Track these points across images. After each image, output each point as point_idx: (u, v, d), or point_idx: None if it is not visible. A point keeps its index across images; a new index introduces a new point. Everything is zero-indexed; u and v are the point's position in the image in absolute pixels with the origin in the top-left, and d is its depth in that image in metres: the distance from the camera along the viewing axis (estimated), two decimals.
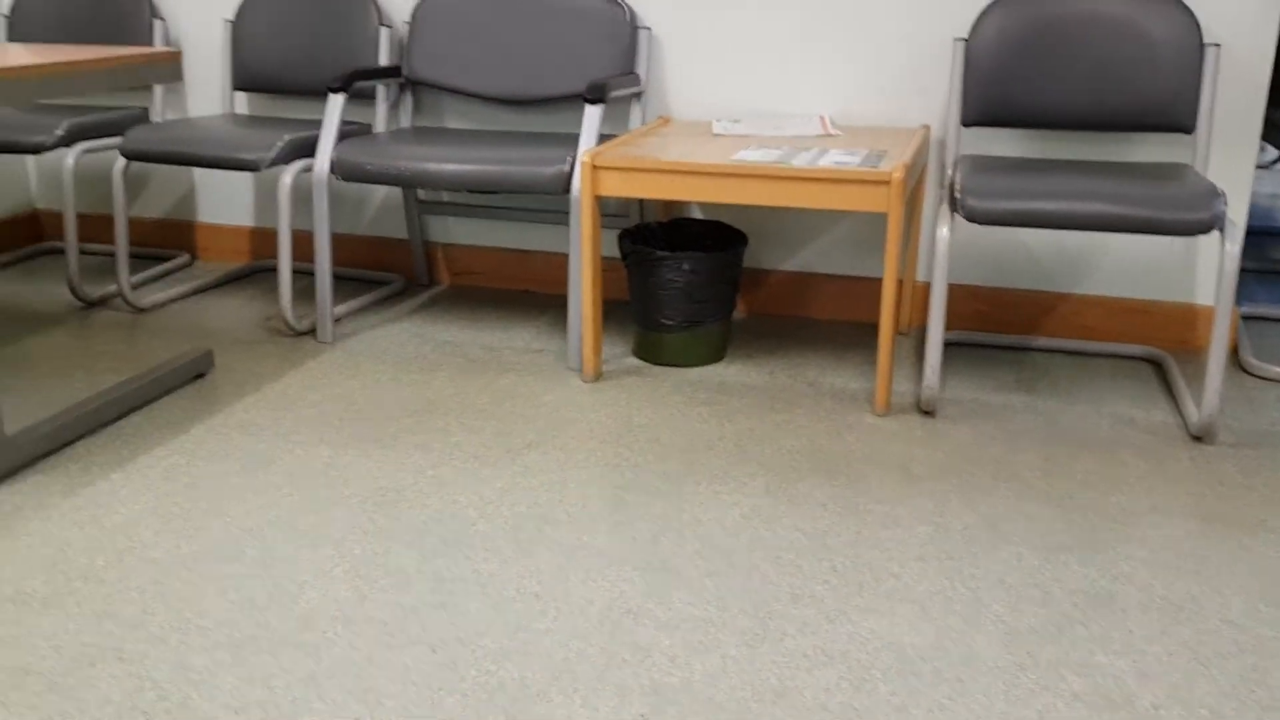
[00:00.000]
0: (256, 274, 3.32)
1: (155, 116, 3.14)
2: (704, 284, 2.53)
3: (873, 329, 2.86)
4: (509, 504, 1.92)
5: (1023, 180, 2.23)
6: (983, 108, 2.58)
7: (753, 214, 2.94)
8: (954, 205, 2.25)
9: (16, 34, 3.26)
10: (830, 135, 2.59)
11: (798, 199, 2.24)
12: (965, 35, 2.63)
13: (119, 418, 2.27)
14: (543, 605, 1.61)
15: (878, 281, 2.89)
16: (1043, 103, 2.54)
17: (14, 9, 3.25)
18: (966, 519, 1.87)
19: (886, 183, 2.18)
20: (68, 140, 2.84)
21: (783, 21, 2.76)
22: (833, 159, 2.30)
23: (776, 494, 1.96)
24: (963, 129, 2.70)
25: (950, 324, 2.86)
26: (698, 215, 2.97)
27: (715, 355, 2.63)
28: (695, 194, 2.30)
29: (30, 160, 3.57)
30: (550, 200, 3.08)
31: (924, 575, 1.69)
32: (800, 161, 2.27)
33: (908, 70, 2.71)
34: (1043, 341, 2.75)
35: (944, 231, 2.23)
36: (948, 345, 2.76)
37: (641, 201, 2.93)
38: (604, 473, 2.04)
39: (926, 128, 2.67)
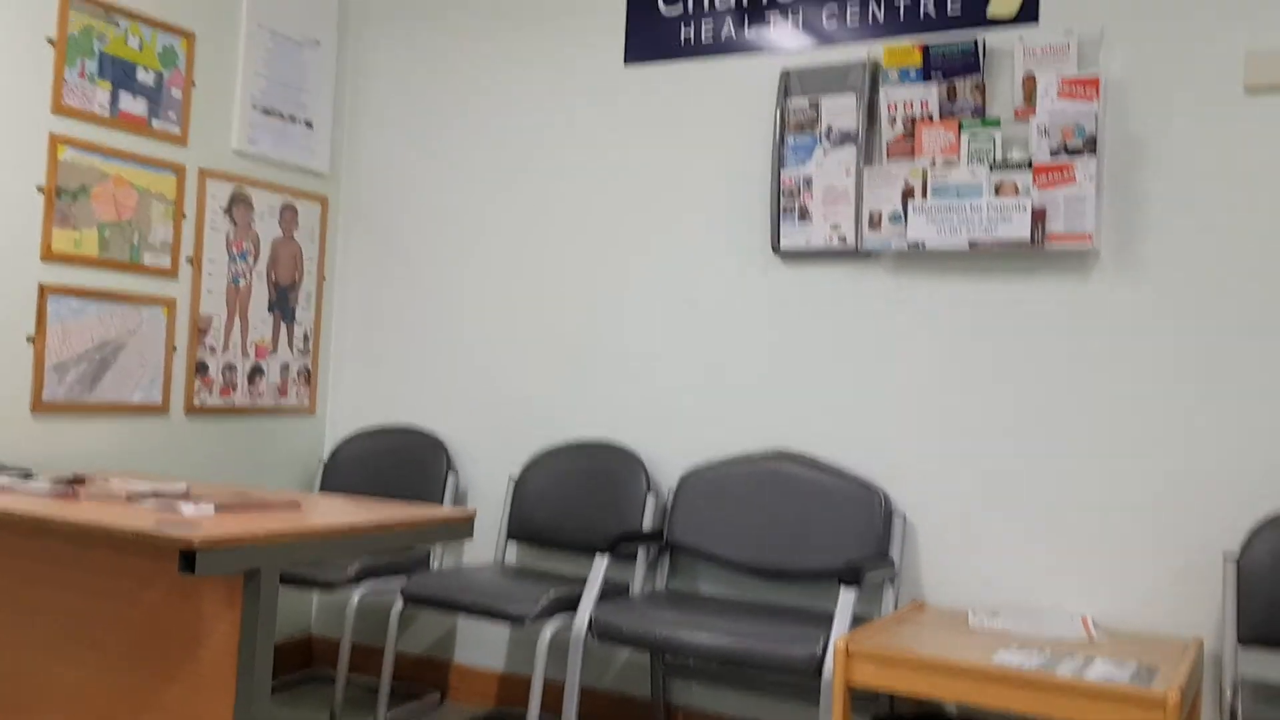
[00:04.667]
0: None
1: (435, 561, 3.42)
2: None
3: None
4: None
5: None
6: (1263, 628, 2.46)
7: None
8: None
9: (330, 478, 3.70)
10: (1094, 640, 2.52)
11: (1062, 711, 2.15)
12: (1237, 549, 2.56)
13: None
14: None
15: None
16: None
17: (332, 456, 3.73)
18: None
19: (1162, 705, 2.07)
20: (357, 579, 3.12)
21: (1043, 516, 2.80)
22: (1100, 671, 2.22)
23: None
24: (1241, 647, 2.56)
25: None
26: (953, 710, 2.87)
27: None
28: (953, 694, 2.25)
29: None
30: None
31: None
32: (1065, 670, 2.20)
33: (1177, 578, 2.64)
34: None
35: None
36: None
37: None
38: None
39: (1199, 642, 2.55)
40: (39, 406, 2.99)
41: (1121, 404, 2.72)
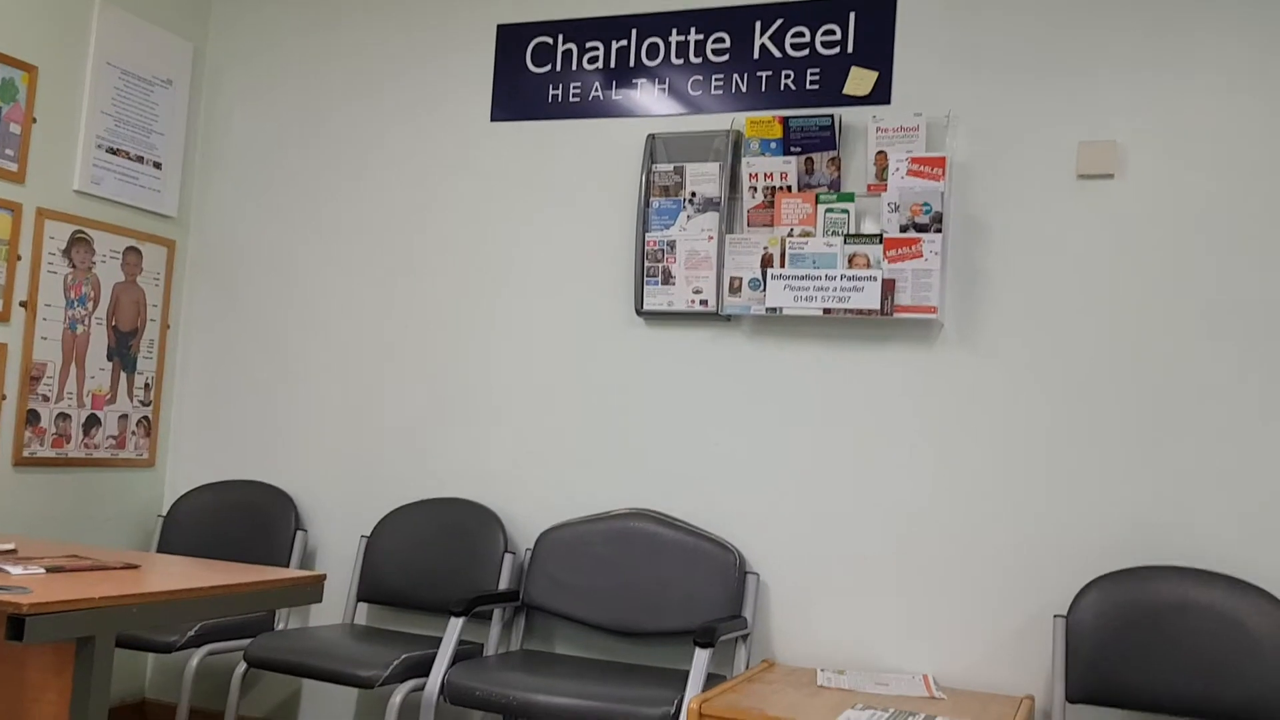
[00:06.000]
0: None
1: (280, 622, 3.30)
2: None
3: None
4: None
5: None
6: (1087, 686, 2.59)
7: None
8: None
9: (169, 535, 3.53)
10: (934, 698, 2.60)
11: None
12: (1065, 612, 2.70)
13: None
14: None
15: None
16: (1150, 687, 2.55)
17: (172, 512, 3.56)
18: None
19: None
20: (197, 641, 2.98)
21: (890, 577, 2.89)
22: None
23: None
24: (1069, 704, 2.68)
25: None
26: None
27: None
28: None
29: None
30: None
31: None
32: None
33: (1010, 638, 2.77)
34: None
35: None
36: None
37: None
38: None
39: (1030, 699, 2.67)
40: None
41: (964, 469, 2.85)
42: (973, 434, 2.85)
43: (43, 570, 2.15)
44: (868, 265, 2.84)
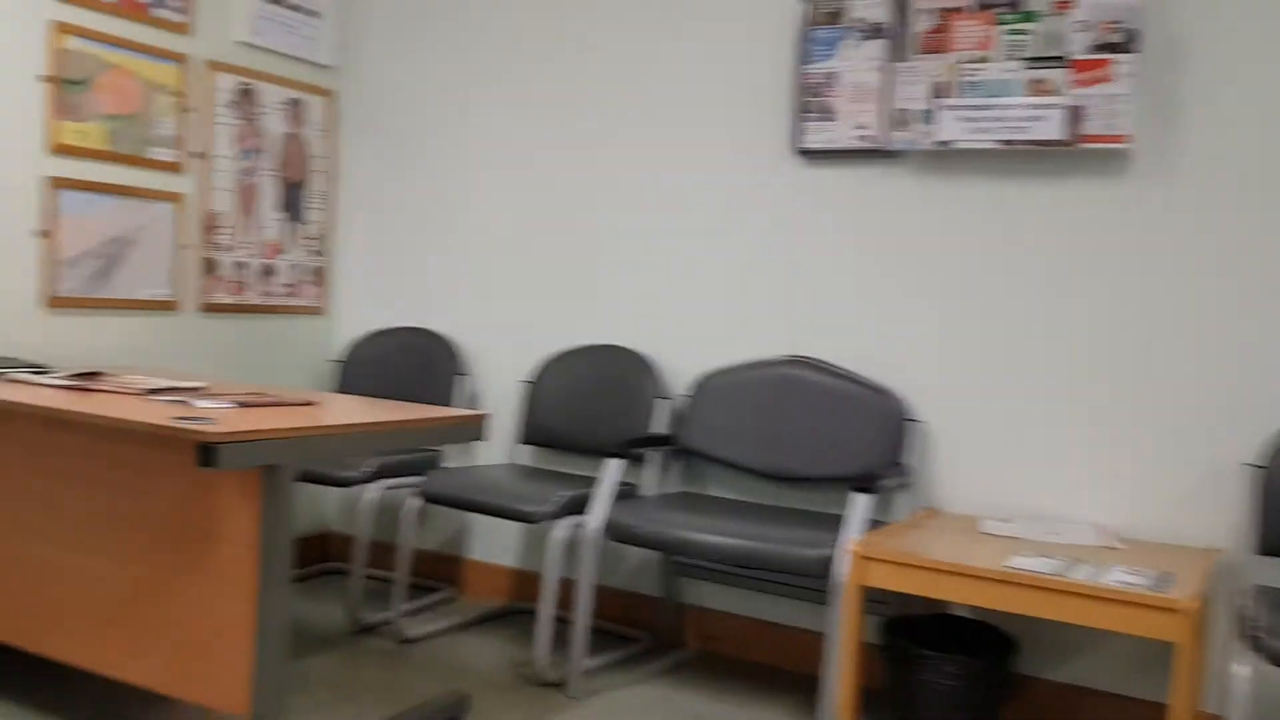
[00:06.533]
0: (511, 615, 3.44)
1: (447, 461, 3.42)
2: (969, 690, 2.42)
3: None
4: None
5: None
6: None
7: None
8: (1254, 644, 2.10)
9: (342, 379, 3.69)
10: (1110, 548, 2.51)
11: (1077, 616, 2.15)
12: (1259, 461, 2.54)
13: None
14: None
15: (1158, 707, 2.67)
16: None
17: (344, 357, 3.70)
18: None
19: (1177, 611, 2.07)
20: (373, 477, 3.12)
21: (1062, 424, 2.77)
22: (1117, 577, 2.21)
23: None
24: (1257, 556, 2.55)
25: None
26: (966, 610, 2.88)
27: None
28: (965, 597, 2.25)
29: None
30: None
31: None
32: (1080, 575, 2.20)
33: (1196, 488, 2.63)
34: None
35: (1243, 671, 2.07)
36: None
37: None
38: None
39: (1216, 551, 2.54)
40: (53, 302, 2.95)
41: (1151, 308, 2.67)
42: (1161, 272, 2.66)
43: (231, 404, 2.26)
44: (1052, 92, 2.64)
